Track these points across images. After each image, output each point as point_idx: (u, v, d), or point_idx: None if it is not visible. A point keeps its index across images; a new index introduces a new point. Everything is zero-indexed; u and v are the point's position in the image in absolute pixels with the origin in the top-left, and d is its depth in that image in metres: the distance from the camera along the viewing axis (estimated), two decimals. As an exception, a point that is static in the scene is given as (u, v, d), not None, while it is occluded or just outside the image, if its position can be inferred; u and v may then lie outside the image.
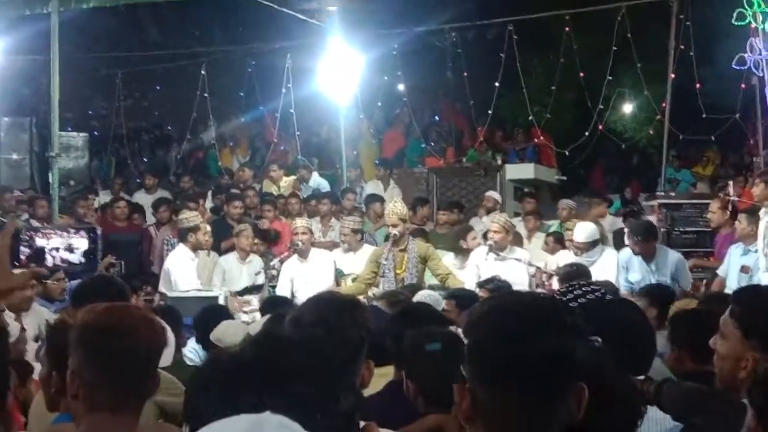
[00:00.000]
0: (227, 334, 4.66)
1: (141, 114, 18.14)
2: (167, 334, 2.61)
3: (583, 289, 4.03)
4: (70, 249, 2.23)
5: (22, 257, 2.17)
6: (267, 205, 11.67)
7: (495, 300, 1.93)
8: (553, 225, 11.36)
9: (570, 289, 3.98)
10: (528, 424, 1.71)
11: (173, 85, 16.57)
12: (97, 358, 2.40)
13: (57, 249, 2.21)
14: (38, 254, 2.19)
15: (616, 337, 3.17)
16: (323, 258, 9.40)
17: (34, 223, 9.46)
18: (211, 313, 5.92)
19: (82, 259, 2.26)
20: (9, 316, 3.92)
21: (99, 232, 2.35)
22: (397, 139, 16.49)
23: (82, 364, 2.43)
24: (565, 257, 9.21)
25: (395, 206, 8.67)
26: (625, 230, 10.18)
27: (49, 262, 2.23)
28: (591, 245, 8.98)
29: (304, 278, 9.13)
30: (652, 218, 10.79)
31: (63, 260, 2.23)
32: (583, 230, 9.17)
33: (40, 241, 2.19)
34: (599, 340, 2.83)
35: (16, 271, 2.16)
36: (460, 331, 5.21)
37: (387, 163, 14.48)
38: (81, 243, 2.24)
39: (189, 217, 9.37)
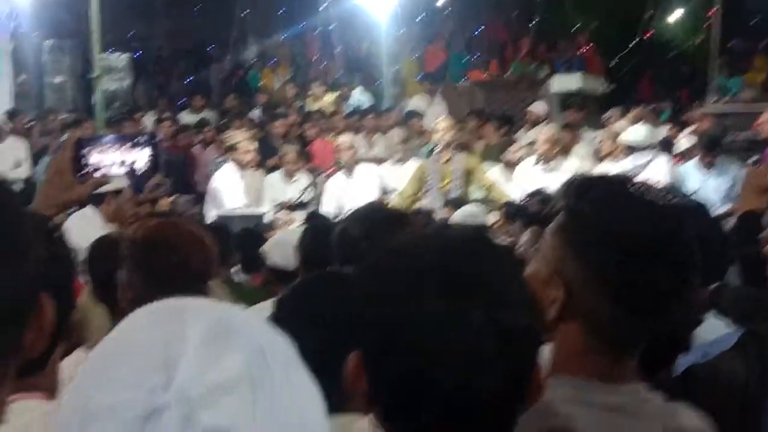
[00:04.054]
0: (278, 246, 4.65)
1: (182, 35, 18.07)
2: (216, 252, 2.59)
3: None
4: (124, 164, 2.19)
5: (86, 167, 2.12)
6: (310, 123, 11.59)
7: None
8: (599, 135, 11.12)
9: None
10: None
11: (213, 5, 16.44)
12: (145, 274, 2.43)
13: (112, 164, 2.18)
14: (96, 170, 2.15)
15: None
16: (368, 173, 9.33)
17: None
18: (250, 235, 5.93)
19: (144, 168, 2.22)
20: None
21: (157, 138, 2.31)
22: (438, 54, 16.25)
23: (130, 279, 2.47)
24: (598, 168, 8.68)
25: (441, 116, 8.61)
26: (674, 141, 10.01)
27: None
28: (638, 148, 8.67)
29: (350, 194, 9.11)
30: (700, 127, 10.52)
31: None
32: (633, 132, 8.88)
33: (96, 157, 2.15)
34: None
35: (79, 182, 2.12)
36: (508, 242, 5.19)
37: (430, 77, 14.28)
38: (141, 155, 2.20)
39: (231, 135, 9.41)
